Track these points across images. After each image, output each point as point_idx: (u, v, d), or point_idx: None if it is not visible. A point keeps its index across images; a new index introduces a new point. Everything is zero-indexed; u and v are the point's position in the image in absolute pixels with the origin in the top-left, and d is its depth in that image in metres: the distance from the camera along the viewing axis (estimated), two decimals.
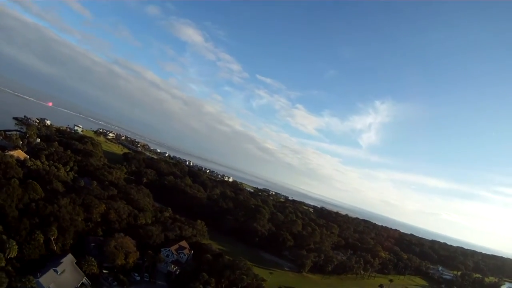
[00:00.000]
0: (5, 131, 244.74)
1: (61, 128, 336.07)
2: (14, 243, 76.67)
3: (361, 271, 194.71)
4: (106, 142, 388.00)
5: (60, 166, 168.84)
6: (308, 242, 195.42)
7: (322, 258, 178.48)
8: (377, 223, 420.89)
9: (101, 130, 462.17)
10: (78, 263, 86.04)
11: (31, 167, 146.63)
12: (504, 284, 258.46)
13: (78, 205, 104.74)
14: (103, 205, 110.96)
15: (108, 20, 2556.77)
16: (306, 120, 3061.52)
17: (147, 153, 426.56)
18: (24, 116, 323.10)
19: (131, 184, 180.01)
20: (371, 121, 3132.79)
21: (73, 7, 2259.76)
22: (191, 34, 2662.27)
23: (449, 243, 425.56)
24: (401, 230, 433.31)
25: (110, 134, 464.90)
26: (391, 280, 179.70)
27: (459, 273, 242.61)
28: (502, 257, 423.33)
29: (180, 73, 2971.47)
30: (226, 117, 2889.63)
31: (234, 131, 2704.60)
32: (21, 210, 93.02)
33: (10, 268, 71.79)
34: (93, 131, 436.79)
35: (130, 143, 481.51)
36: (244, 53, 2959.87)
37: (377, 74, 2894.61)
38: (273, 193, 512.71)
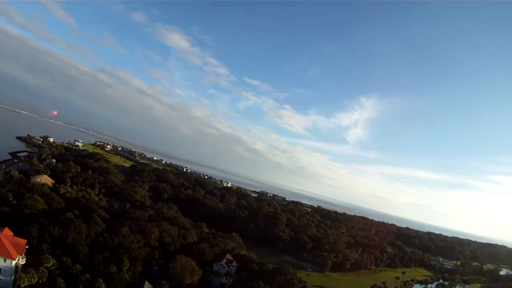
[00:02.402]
0: (16, 153, 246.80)
1: (65, 144, 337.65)
2: (101, 281, 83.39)
3: (373, 267, 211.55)
4: (106, 154, 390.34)
5: (89, 190, 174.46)
6: (323, 243, 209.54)
7: (340, 258, 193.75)
8: (373, 219, 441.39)
9: (98, 143, 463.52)
10: None
11: (66, 194, 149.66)
12: (502, 269, 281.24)
13: (135, 232, 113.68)
14: (156, 230, 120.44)
15: (93, 28, 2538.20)
16: (293, 120, 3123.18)
17: (147, 163, 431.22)
18: (28, 135, 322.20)
19: (159, 202, 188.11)
20: (357, 117, 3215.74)
21: (57, 16, 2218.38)
22: (177, 39, 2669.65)
23: (444, 234, 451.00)
24: (396, 224, 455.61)
25: (108, 146, 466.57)
26: (403, 273, 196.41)
27: (458, 262, 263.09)
28: (496, 245, 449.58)
29: (167, 78, 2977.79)
30: (213, 121, 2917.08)
31: (222, 134, 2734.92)
32: (89, 245, 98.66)
33: None
34: (91, 144, 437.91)
35: (127, 153, 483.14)
36: (231, 56, 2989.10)
37: (361, 71, 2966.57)
38: (271, 195, 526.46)
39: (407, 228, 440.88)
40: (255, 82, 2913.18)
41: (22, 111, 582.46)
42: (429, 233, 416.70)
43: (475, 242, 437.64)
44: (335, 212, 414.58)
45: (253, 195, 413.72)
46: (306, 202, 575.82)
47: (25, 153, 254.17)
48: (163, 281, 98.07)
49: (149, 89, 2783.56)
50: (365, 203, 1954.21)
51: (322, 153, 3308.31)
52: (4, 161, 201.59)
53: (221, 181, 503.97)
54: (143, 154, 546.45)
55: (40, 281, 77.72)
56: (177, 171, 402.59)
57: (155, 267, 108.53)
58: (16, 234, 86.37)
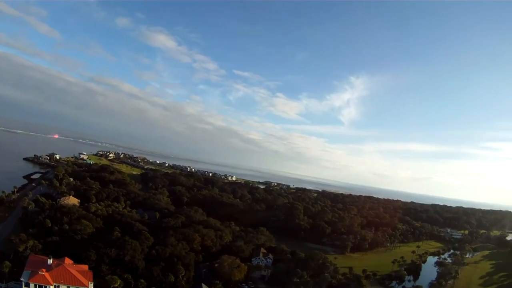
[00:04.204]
0: (30, 176, 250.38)
1: (71, 159, 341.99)
2: None
3: (388, 244, 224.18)
4: (111, 164, 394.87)
5: (116, 204, 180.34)
6: (339, 227, 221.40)
7: (358, 239, 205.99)
8: (378, 197, 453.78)
9: (101, 152, 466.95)
10: None
11: (97, 212, 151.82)
12: (508, 235, 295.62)
13: (181, 240, 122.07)
14: (197, 235, 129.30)
15: (78, 39, 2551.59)
16: (287, 106, 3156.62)
17: (152, 167, 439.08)
18: (34, 155, 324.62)
19: (183, 207, 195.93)
20: (349, 97, 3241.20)
21: (40, 31, 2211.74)
22: (163, 40, 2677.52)
23: (448, 205, 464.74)
24: (400, 199, 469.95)
25: (111, 155, 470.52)
26: (418, 247, 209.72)
27: (466, 231, 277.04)
28: (500, 211, 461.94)
29: (156, 80, 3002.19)
30: (207, 116, 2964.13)
31: (216, 128, 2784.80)
32: (145, 259, 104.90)
33: None
34: (94, 155, 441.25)
35: (130, 160, 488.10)
36: (219, 51, 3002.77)
37: (347, 51, 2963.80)
38: (276, 184, 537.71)
39: (412, 202, 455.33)
40: (245, 74, 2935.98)
41: (18, 131, 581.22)
42: (433, 205, 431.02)
43: (479, 210, 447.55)
44: (341, 194, 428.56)
45: (260, 186, 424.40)
46: (310, 187, 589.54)
47: (38, 174, 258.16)
48: (216, 281, 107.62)
49: (140, 92, 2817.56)
50: (366, 182, 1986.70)
51: (318, 136, 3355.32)
52: (24, 186, 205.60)
53: (225, 176, 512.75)
54: (145, 158, 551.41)
55: None
56: (182, 171, 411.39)
57: (204, 270, 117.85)
58: (74, 260, 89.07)
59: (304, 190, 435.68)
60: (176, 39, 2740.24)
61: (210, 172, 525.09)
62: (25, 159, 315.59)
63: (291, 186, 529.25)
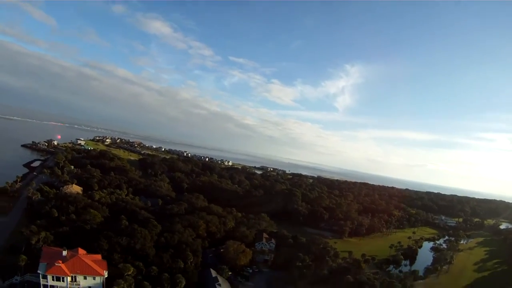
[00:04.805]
0: (30, 164, 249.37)
1: (68, 145, 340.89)
2: (181, 276, 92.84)
3: (384, 230, 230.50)
4: (108, 149, 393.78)
5: (118, 191, 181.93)
6: (337, 213, 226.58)
7: (355, 224, 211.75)
8: (373, 184, 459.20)
9: (97, 138, 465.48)
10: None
11: (101, 199, 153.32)
12: (502, 224, 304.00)
13: (187, 227, 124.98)
14: (202, 222, 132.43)
15: (74, 25, 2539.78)
16: (281, 92, 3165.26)
17: (148, 151, 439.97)
18: (32, 142, 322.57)
19: (184, 194, 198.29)
20: (344, 84, 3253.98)
21: (36, 17, 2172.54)
22: (159, 26, 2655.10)
23: (442, 193, 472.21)
24: (395, 186, 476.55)
25: (107, 140, 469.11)
26: (414, 233, 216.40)
27: (460, 219, 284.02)
28: (495, 200, 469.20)
29: (151, 65, 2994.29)
30: (202, 101, 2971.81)
31: (211, 113, 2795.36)
32: (155, 246, 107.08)
33: None
34: (90, 140, 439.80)
35: (127, 145, 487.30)
36: (215, 38, 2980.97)
37: (343, 39, 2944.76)
38: (271, 169, 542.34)
39: (407, 189, 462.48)
40: (241, 60, 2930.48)
41: (14, 117, 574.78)
42: (428, 193, 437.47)
43: (474, 198, 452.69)
44: (337, 180, 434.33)
45: (257, 171, 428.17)
46: (305, 173, 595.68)
47: (38, 162, 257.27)
48: (222, 266, 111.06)
49: (135, 77, 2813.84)
50: (360, 167, 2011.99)
51: (313, 123, 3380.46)
52: (25, 175, 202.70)
53: (222, 161, 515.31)
54: (142, 143, 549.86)
55: None
56: (179, 156, 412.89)
57: (210, 255, 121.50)
58: (86, 250, 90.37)
59: (300, 176, 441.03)
60: (172, 26, 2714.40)
61: (207, 157, 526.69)
62: (23, 146, 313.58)
63: (287, 172, 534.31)
